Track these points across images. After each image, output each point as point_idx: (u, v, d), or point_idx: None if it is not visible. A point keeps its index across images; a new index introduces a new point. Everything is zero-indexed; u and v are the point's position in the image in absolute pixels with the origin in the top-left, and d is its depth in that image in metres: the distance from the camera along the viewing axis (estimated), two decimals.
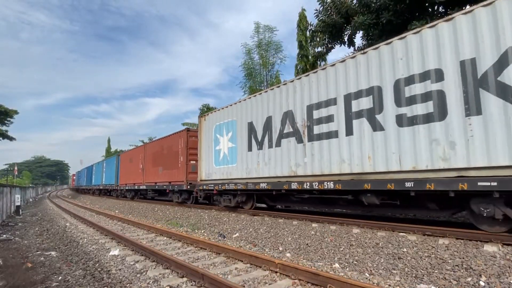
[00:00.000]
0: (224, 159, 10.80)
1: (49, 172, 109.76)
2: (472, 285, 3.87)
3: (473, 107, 4.98)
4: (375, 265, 4.86)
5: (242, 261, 5.48)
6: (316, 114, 7.59)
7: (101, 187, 28.39)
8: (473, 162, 4.90)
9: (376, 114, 6.30)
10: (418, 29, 5.79)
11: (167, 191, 15.30)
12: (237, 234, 7.89)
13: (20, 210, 16.96)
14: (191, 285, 4.45)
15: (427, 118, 5.49)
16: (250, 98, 9.96)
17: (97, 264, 5.73)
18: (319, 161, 7.38)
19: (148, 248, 6.22)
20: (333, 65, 7.27)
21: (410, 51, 5.80)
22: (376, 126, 6.28)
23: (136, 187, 19.24)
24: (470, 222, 5.68)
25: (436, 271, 4.33)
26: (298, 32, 19.81)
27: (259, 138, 9.30)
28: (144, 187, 17.86)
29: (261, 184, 8.86)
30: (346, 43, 12.43)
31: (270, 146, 8.86)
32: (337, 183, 6.81)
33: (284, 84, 8.66)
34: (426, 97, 5.53)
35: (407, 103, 5.78)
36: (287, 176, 8.18)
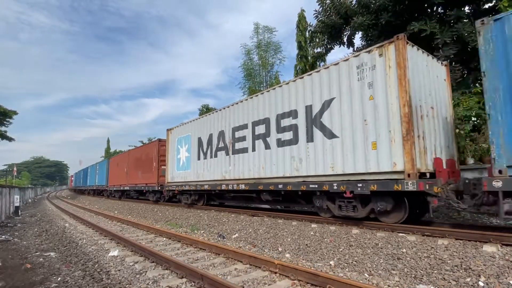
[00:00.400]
0: (183, 166, 13.40)
1: (48, 172, 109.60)
2: (471, 285, 3.87)
3: (310, 137, 7.60)
4: (374, 266, 4.86)
5: (241, 261, 5.48)
6: (237, 134, 10.24)
7: (95, 188, 30.74)
8: (309, 172, 7.54)
9: (267, 137, 8.98)
10: (287, 81, 8.57)
11: (144, 191, 17.87)
12: (236, 235, 7.89)
13: (19, 211, 16.93)
14: (191, 285, 4.45)
15: (290, 142, 8.16)
16: (200, 118, 12.72)
17: (97, 265, 5.73)
18: (237, 169, 10.07)
19: (147, 249, 6.22)
20: (247, 99, 10.03)
21: (281, 96, 8.57)
22: (266, 146, 8.93)
23: (122, 188, 21.72)
24: (315, 211, 8.13)
25: (435, 272, 4.33)
26: (298, 33, 19.85)
27: (205, 150, 11.92)
28: (128, 188, 20.41)
29: (205, 185, 11.53)
30: (346, 43, 12.47)
31: (211, 157, 11.48)
32: (246, 185, 9.39)
33: (220, 110, 11.26)
34: (290, 128, 8.20)
35: (281, 131, 8.47)
36: (220, 180, 10.79)
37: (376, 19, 10.18)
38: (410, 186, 5.73)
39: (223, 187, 10.38)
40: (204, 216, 10.63)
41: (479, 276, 4.03)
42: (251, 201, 10.74)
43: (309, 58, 18.67)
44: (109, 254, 6.46)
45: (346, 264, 5.12)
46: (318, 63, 17.03)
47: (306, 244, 6.27)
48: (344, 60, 6.96)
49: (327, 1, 11.81)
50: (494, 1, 8.66)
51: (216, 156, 11.17)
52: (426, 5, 9.64)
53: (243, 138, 9.93)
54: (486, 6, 9.05)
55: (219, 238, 7.85)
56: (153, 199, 16.90)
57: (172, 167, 14.32)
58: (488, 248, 4.68)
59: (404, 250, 5.13)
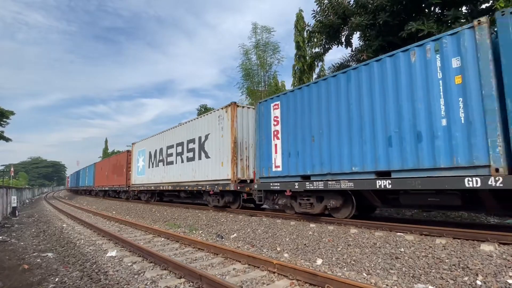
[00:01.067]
0: (140, 172, 18.38)
1: (45, 173, 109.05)
2: (469, 284, 3.89)
3: (199, 156, 12.31)
4: (372, 265, 4.88)
5: (240, 261, 5.48)
6: (168, 151, 15.08)
7: (85, 188, 35.62)
8: (199, 178, 12.20)
9: (182, 154, 13.66)
10: (193, 118, 13.35)
11: (118, 191, 23.16)
12: (235, 235, 7.89)
13: (17, 211, 16.84)
14: (189, 286, 4.45)
15: (192, 159, 12.82)
16: (150, 137, 17.52)
17: (94, 266, 5.71)
18: (168, 175, 14.79)
19: (145, 249, 6.20)
20: (175, 127, 14.71)
21: (191, 128, 13.21)
22: (182, 160, 13.61)
23: (103, 188, 26.51)
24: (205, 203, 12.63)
25: (433, 271, 4.35)
26: (296, 33, 19.85)
27: (152, 161, 16.82)
28: (107, 188, 25.34)
29: (152, 187, 16.46)
30: (344, 43, 12.46)
31: (155, 166, 16.40)
32: (172, 187, 14.14)
33: (162, 132, 16.04)
34: (192, 149, 12.87)
35: (188, 151, 13.20)
36: (160, 183, 15.55)
37: (373, 19, 10.17)
38: (232, 187, 10.30)
39: (161, 188, 15.28)
40: (203, 216, 10.62)
41: (477, 275, 4.05)
42: (178, 198, 16.03)
43: (307, 58, 18.67)
44: (107, 255, 6.44)
45: (344, 264, 5.13)
46: (316, 63, 17.03)
47: (305, 244, 6.27)
48: (215, 111, 11.75)
49: (325, 1, 11.81)
50: (491, 1, 8.70)
51: (158, 165, 16.10)
52: (423, 5, 9.66)
53: (171, 154, 14.73)
54: (483, 6, 9.08)
55: (218, 238, 7.85)
56: (124, 197, 21.96)
57: (134, 172, 19.31)
58: (486, 247, 4.69)
59: (402, 250, 5.14)
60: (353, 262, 5.12)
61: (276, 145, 8.76)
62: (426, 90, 5.62)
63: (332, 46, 13.03)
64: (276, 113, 8.93)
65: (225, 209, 11.25)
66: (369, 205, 7.72)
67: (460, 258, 4.53)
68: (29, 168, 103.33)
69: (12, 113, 33.89)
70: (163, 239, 8.08)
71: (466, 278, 4.02)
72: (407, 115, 5.85)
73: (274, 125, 8.91)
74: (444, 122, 5.33)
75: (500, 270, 4.06)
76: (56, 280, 4.99)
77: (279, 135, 8.69)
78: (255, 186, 9.27)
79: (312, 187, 7.48)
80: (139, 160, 18.70)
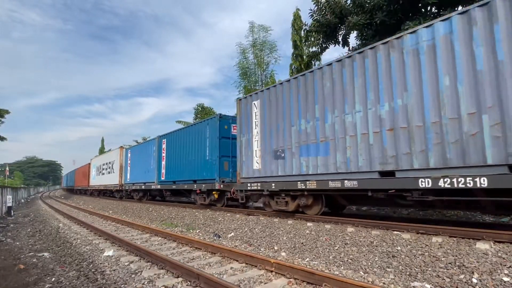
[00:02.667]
0: (93, 178, 28.92)
1: (41, 172, 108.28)
2: (465, 282, 3.92)
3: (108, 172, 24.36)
4: (369, 264, 4.90)
5: (237, 260, 5.48)
6: (102, 166, 26.13)
7: (69, 188, 46.30)
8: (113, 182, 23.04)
9: (110, 168, 23.98)
10: (111, 149, 28.74)
11: (84, 190, 34.09)
12: (232, 234, 7.89)
13: (12, 211, 16.71)
14: (187, 285, 4.44)
15: (111, 172, 23.44)
16: (97, 157, 30.36)
17: (91, 265, 5.68)
18: (111, 180, 23.13)
19: (142, 249, 6.18)
20: (104, 153, 31.02)
21: (113, 154, 23.60)
22: (108, 172, 24.27)
23: (78, 188, 37.35)
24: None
25: (429, 269, 4.37)
26: (293, 32, 19.83)
27: (98, 171, 27.12)
28: (80, 188, 35.81)
29: (100, 187, 26.26)
30: (341, 43, 12.49)
31: (98, 175, 26.80)
32: (111, 188, 23.27)
33: (98, 155, 33.95)
34: (108, 167, 24.50)
35: (111, 167, 23.75)
36: (100, 184, 25.85)
37: (370, 19, 10.21)
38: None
39: (101, 187, 25.76)
40: (200, 215, 10.60)
41: (473, 273, 4.08)
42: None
43: (305, 57, 18.68)
44: (104, 254, 6.41)
45: (341, 262, 5.15)
46: (313, 62, 17.06)
47: (302, 243, 6.29)
48: (115, 149, 22.96)
49: (322, 0, 11.83)
50: (488, 1, 8.76)
51: (104, 174, 25.35)
52: (420, 5, 9.71)
53: (107, 167, 24.16)
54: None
55: (215, 237, 7.84)
56: (88, 194, 31.85)
57: (91, 178, 29.96)
58: (481, 246, 4.73)
59: (399, 248, 5.17)
60: (350, 260, 5.14)
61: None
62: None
63: (329, 46, 13.06)
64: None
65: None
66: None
67: (456, 256, 4.56)
68: (24, 167, 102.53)
69: (7, 112, 33.55)
70: (160, 238, 8.06)
71: (462, 276, 4.05)
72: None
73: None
74: None
75: (496, 268, 4.09)
76: (53, 280, 4.95)
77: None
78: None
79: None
80: (92, 170, 29.84)
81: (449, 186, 5.09)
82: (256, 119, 9.22)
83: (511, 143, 4.59)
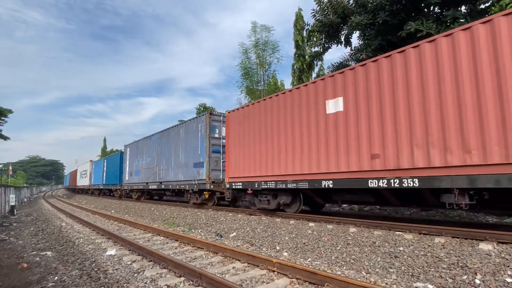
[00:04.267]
0: (80, 179, 37.14)
1: (44, 171, 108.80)
2: (468, 283, 3.90)
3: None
4: (372, 264, 4.89)
5: (239, 260, 5.49)
6: (82, 172, 36.45)
7: (66, 187, 57.73)
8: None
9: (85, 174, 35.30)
10: (86, 162, 35.55)
11: (74, 188, 42.90)
12: (234, 234, 7.89)
13: (15, 210, 16.81)
14: (189, 284, 4.45)
15: (86, 176, 34.82)
16: (82, 164, 38.24)
17: (94, 264, 5.70)
18: (85, 182, 33.97)
19: (145, 248, 6.20)
20: (86, 162, 35.13)
21: (85, 166, 35.10)
22: (85, 177, 34.99)
23: (72, 187, 44.81)
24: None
25: (432, 270, 4.36)
26: (295, 32, 19.81)
27: (81, 175, 36.72)
28: (74, 187, 42.50)
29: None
30: (343, 43, 12.47)
31: (81, 178, 36.47)
32: (86, 187, 33.73)
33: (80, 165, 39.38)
34: (84, 173, 35.38)
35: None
36: (84, 185, 34.27)
37: (373, 19, 10.18)
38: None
39: (81, 187, 36.35)
40: (202, 215, 10.62)
41: (476, 274, 4.06)
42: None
43: (307, 57, 18.65)
44: (106, 253, 6.43)
45: (343, 262, 5.15)
46: (315, 62, 17.03)
47: (304, 243, 6.28)
48: (86, 162, 34.40)
49: (325, 0, 11.81)
50: (490, 1, 8.71)
51: (80, 178, 36.85)
52: (423, 5, 9.68)
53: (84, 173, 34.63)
54: (482, 6, 9.10)
55: (217, 237, 7.85)
56: (75, 192, 40.45)
57: (77, 180, 38.51)
58: (484, 246, 4.72)
59: (401, 249, 5.16)
60: (352, 261, 5.14)
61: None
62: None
63: (331, 45, 13.05)
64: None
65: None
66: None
67: (459, 257, 4.55)
68: (27, 166, 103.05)
69: (10, 111, 33.76)
70: (162, 238, 8.08)
71: (465, 277, 4.04)
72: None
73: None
74: None
75: (499, 269, 4.08)
76: (56, 278, 4.98)
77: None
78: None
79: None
80: (77, 174, 39.15)
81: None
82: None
83: None
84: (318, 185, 7.16)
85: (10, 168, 48.17)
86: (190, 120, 13.30)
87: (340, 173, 6.77)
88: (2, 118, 33.60)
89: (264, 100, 9.19)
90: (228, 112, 10.85)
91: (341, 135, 6.81)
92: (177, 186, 13.51)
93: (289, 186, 7.94)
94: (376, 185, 6.02)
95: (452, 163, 5.03)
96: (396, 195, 6.45)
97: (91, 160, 31.89)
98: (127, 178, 19.78)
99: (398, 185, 5.68)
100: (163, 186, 14.82)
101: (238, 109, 10.36)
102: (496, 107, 4.68)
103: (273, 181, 8.47)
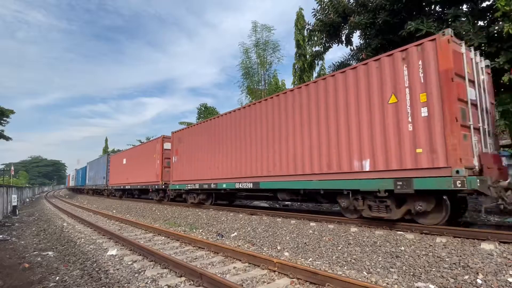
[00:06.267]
0: (76, 180, 44.24)
1: (46, 172, 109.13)
2: (470, 283, 3.89)
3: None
4: (373, 264, 4.88)
5: (240, 260, 5.49)
6: (72, 175, 50.27)
7: (62, 187, 67.34)
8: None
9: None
10: (73, 170, 48.00)
11: (71, 188, 51.38)
12: (235, 234, 7.89)
13: (17, 210, 16.85)
14: (190, 284, 4.45)
15: (73, 179, 48.82)
16: (74, 170, 47.87)
17: (95, 264, 5.71)
18: (74, 183, 46.09)
19: (146, 248, 6.21)
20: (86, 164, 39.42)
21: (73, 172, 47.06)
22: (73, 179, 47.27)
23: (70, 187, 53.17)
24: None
25: (433, 270, 4.35)
26: (296, 31, 19.82)
27: (72, 177, 48.93)
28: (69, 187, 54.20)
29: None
30: (344, 42, 12.43)
31: (72, 180, 48.34)
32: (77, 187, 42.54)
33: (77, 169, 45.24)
34: (73, 176, 49.59)
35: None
36: (75, 185, 44.33)
37: (373, 18, 10.14)
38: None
39: (72, 187, 46.52)
40: (203, 215, 10.63)
41: (477, 273, 4.05)
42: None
43: (308, 56, 18.64)
44: (108, 253, 6.45)
45: (345, 262, 5.13)
46: (316, 61, 17.00)
47: (305, 243, 6.28)
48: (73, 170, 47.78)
49: (325, 0, 11.78)
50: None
51: (72, 180, 47.67)
52: (423, 4, 9.63)
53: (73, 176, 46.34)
54: (484, 4, 9.05)
55: (218, 237, 7.85)
56: (69, 191, 49.48)
57: (70, 181, 52.47)
58: (486, 246, 4.70)
59: (403, 248, 5.14)
60: (354, 260, 5.13)
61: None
62: None
63: (332, 45, 13.00)
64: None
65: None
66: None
67: (460, 256, 4.53)
68: (29, 167, 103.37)
69: (12, 112, 33.76)
70: (163, 237, 8.08)
71: (466, 277, 4.02)
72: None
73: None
74: None
75: (501, 269, 4.06)
76: (57, 278, 4.99)
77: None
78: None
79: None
80: (70, 177, 49.22)
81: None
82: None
83: None
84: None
85: (12, 168, 48.33)
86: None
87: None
88: (4, 118, 33.66)
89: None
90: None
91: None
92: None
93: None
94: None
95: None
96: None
97: (76, 169, 44.32)
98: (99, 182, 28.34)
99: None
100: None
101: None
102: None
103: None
